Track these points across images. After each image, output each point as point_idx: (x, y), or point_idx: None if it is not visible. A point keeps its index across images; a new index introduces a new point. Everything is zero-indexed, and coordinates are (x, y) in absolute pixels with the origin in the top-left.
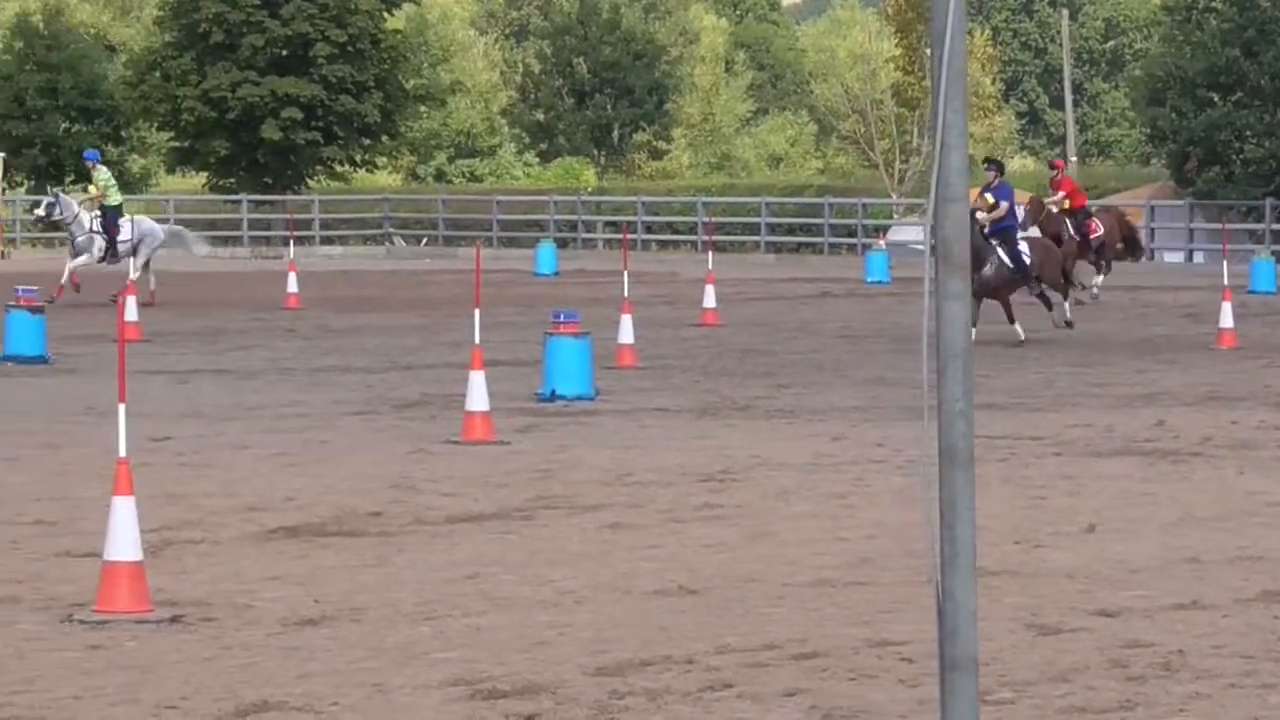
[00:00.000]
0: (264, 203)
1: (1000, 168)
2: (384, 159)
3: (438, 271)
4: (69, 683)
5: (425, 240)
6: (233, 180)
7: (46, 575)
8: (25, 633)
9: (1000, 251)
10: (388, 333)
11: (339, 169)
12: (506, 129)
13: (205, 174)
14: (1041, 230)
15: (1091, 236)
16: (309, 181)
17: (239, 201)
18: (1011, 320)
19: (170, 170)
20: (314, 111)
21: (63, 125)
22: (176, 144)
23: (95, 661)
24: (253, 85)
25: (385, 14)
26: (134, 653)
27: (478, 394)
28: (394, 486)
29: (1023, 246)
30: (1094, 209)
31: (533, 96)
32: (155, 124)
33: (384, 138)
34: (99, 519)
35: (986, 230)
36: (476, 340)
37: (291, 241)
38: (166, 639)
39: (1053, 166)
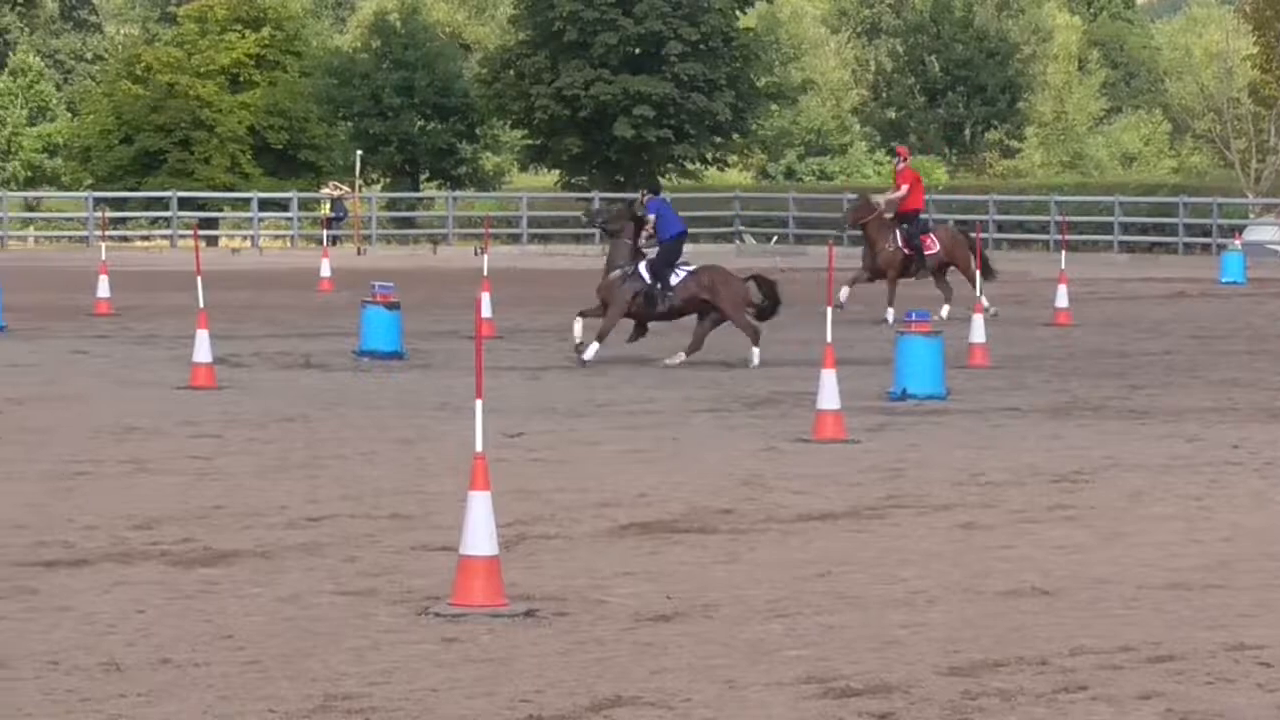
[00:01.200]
0: (616, 200)
1: None
2: (735, 156)
3: (788, 269)
4: (426, 675)
5: (775, 238)
6: (585, 178)
7: (403, 569)
8: (382, 625)
9: None
10: (739, 330)
11: (690, 166)
12: (857, 127)
13: (558, 171)
14: (865, 234)
15: (927, 253)
16: (660, 179)
17: (591, 199)
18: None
19: (523, 168)
20: (666, 109)
21: (418, 123)
22: (529, 142)
23: (451, 654)
24: (605, 83)
25: (737, 12)
26: (489, 646)
27: (829, 392)
28: (745, 484)
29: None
30: (931, 224)
31: (884, 94)
32: (509, 122)
33: (735, 135)
34: (454, 513)
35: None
36: (828, 338)
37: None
38: (521, 633)
39: (895, 153)
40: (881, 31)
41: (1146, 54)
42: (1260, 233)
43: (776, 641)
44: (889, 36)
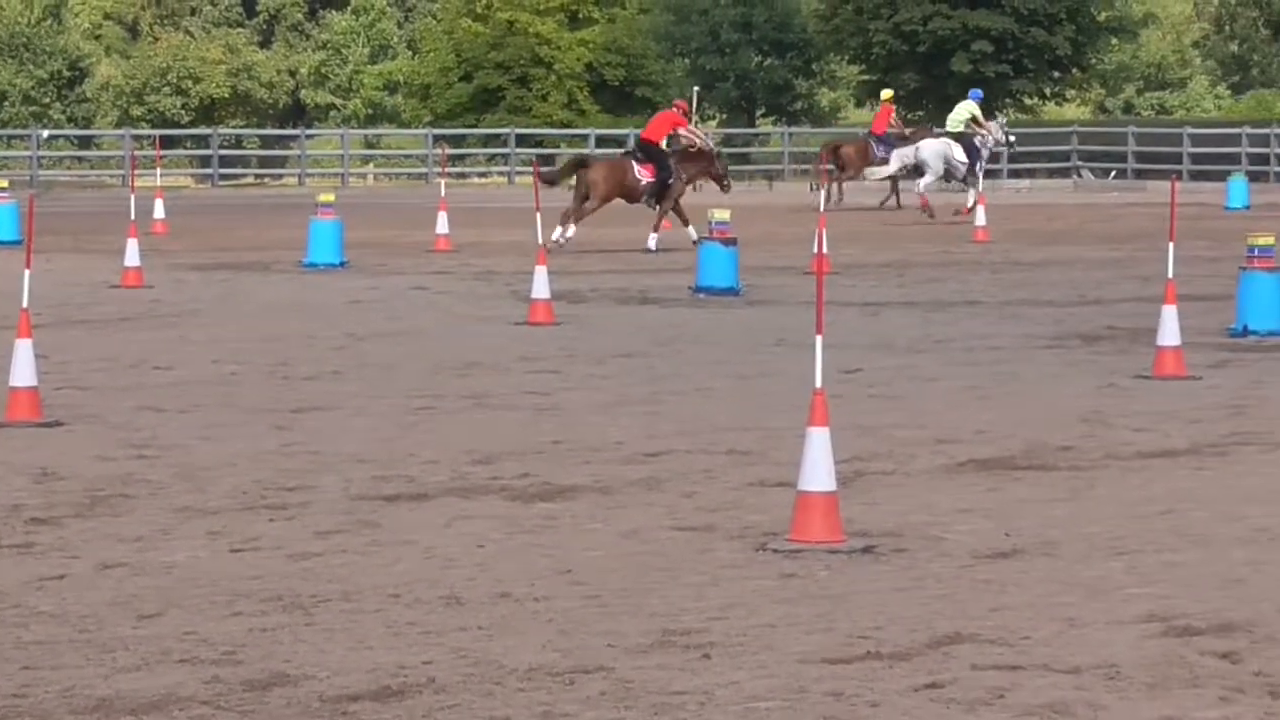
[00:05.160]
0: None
1: None
2: (1073, 91)
3: (1127, 205)
4: (764, 611)
5: (1114, 173)
6: (921, 113)
7: (741, 504)
8: (721, 560)
9: None
10: (1077, 266)
11: (1028, 102)
12: (1199, 61)
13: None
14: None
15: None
16: (999, 114)
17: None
18: None
19: (859, 104)
20: (1004, 44)
21: (755, 59)
22: (867, 77)
23: (789, 590)
24: (944, 18)
25: None
26: (827, 582)
27: (1170, 328)
28: (1085, 421)
29: None
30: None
31: (1227, 28)
32: (846, 57)
33: (1074, 70)
34: (792, 449)
35: None
36: (1169, 274)
37: (980, 174)
38: (859, 569)
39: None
40: None
41: None
42: None
43: (1117, 580)
44: None
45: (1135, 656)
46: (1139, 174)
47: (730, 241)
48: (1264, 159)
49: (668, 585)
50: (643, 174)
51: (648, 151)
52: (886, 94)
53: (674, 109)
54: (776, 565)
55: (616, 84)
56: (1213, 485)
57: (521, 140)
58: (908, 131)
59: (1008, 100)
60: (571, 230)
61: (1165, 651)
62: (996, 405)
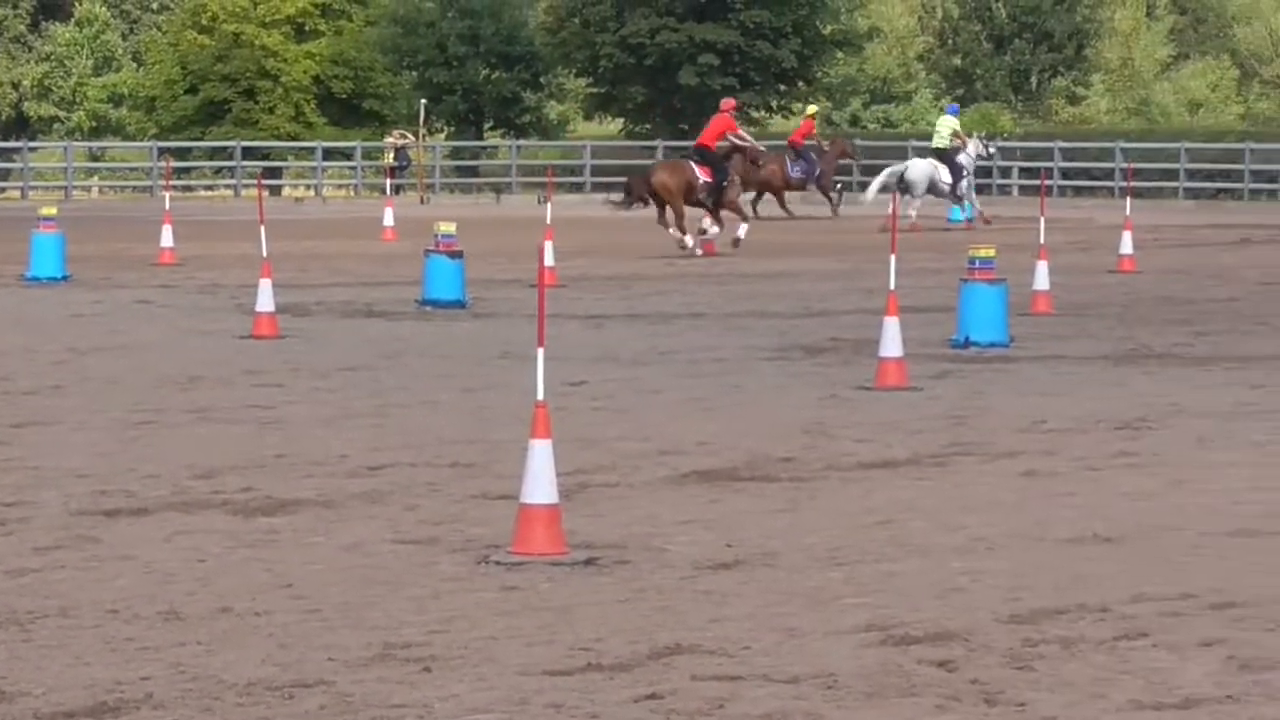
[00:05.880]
0: (680, 148)
1: None
2: (800, 105)
3: (852, 218)
4: (485, 624)
5: (840, 185)
6: (648, 126)
7: (463, 517)
8: (443, 573)
9: None
10: (803, 278)
11: (755, 115)
12: (923, 74)
13: (622, 120)
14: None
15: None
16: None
17: (655, 147)
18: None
19: (587, 117)
20: (731, 57)
21: (483, 71)
22: (594, 90)
23: (511, 603)
24: (671, 31)
25: None
26: (549, 594)
27: (891, 340)
28: (807, 432)
29: None
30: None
31: (950, 41)
32: (574, 70)
33: (800, 83)
34: (515, 462)
35: None
36: (892, 285)
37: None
38: (581, 581)
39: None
40: None
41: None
42: None
43: (837, 589)
44: None
45: (853, 666)
46: (863, 187)
47: (456, 254)
48: (987, 171)
49: (389, 598)
50: (701, 174)
51: (704, 156)
52: (811, 109)
53: (724, 112)
54: (498, 578)
55: (344, 96)
56: (932, 495)
57: (248, 153)
58: (825, 145)
59: (734, 113)
60: (689, 237)
61: (883, 661)
62: (720, 417)
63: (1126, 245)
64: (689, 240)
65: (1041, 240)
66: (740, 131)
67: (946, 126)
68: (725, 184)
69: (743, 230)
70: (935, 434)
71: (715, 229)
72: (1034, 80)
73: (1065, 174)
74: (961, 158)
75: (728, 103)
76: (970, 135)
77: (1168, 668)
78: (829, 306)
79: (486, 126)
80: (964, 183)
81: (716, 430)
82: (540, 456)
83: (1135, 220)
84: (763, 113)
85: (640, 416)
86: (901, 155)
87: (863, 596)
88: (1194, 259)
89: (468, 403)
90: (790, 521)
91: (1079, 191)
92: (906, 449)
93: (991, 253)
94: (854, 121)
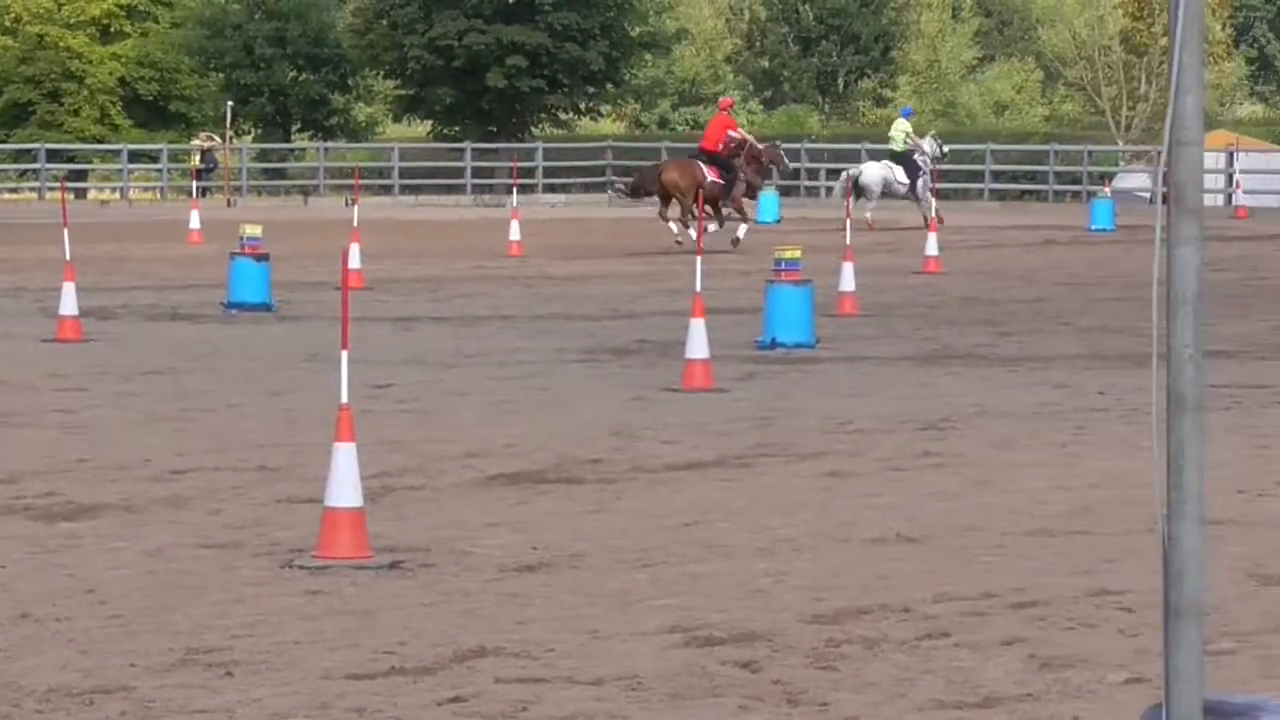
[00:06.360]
0: (488, 150)
1: None
2: (608, 106)
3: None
4: (290, 628)
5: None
6: (457, 128)
7: (268, 521)
8: (247, 578)
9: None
10: (610, 280)
11: (563, 117)
12: (731, 76)
13: (430, 122)
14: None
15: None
16: (533, 129)
17: (463, 150)
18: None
19: (396, 119)
20: (539, 59)
21: (290, 74)
22: (402, 92)
23: (315, 607)
24: (479, 33)
25: None
26: (354, 598)
27: (698, 341)
28: (614, 434)
29: None
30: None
31: (758, 43)
32: (382, 72)
33: (608, 85)
34: (321, 465)
35: None
36: (697, 287)
37: (515, 189)
38: (386, 585)
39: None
40: None
41: (1020, 2)
42: (1130, 180)
43: (642, 591)
44: None
45: (657, 667)
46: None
47: (263, 257)
48: (794, 173)
49: (192, 603)
50: (710, 174)
51: (711, 157)
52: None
53: (723, 111)
54: (302, 582)
55: (150, 98)
56: (738, 496)
57: (52, 155)
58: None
59: (543, 115)
60: (690, 230)
61: (687, 662)
62: (527, 419)
63: (932, 246)
64: (692, 231)
65: (848, 241)
66: (740, 131)
67: (900, 130)
68: (733, 183)
69: (742, 230)
70: (741, 435)
71: (714, 226)
72: (841, 82)
73: None
74: (918, 158)
75: (725, 101)
76: (925, 135)
77: (969, 667)
78: (636, 309)
79: (294, 128)
80: (920, 182)
81: (523, 432)
82: (344, 460)
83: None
84: (571, 114)
85: (447, 419)
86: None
87: (668, 598)
88: (999, 260)
89: (273, 406)
90: (597, 523)
91: (885, 192)
92: (713, 450)
93: (797, 254)
94: (663, 123)
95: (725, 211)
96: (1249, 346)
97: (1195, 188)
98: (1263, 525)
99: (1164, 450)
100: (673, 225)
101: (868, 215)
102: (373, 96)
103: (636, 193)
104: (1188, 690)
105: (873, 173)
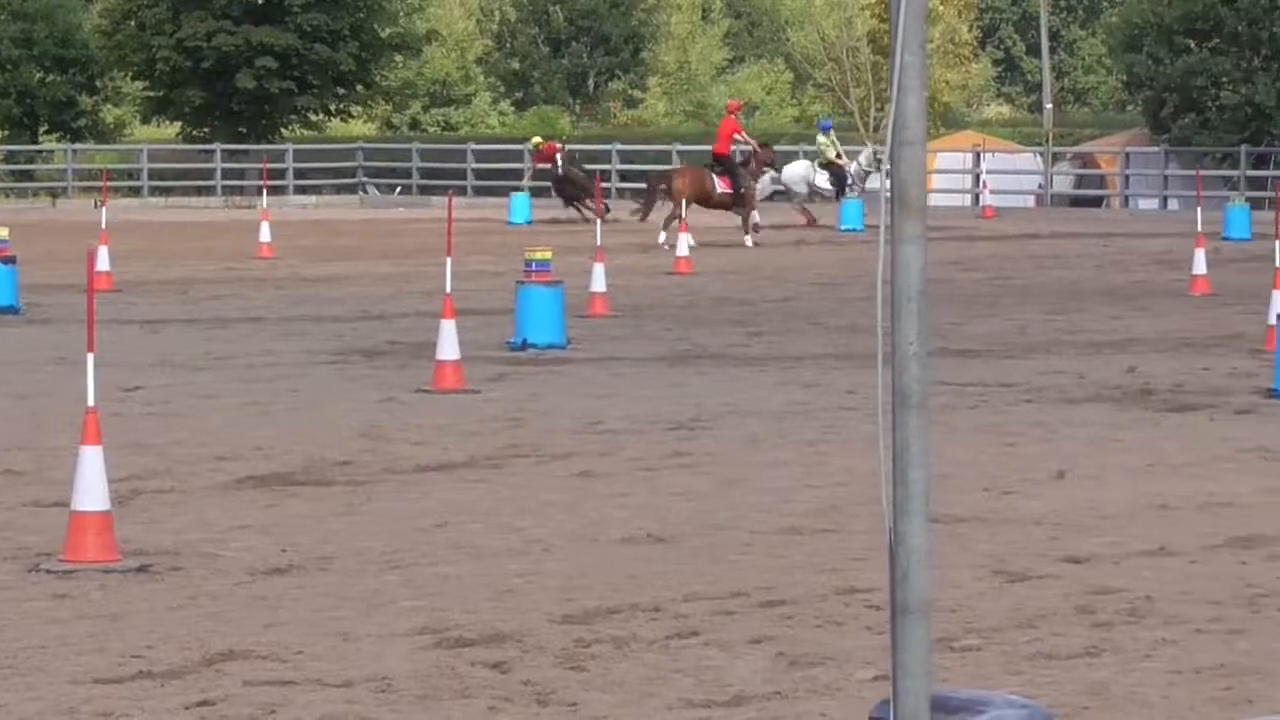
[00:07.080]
0: (238, 152)
1: None
2: (359, 108)
3: (411, 220)
4: (36, 632)
5: (399, 189)
6: (207, 130)
7: (14, 525)
8: None
9: None
10: (361, 282)
11: (313, 118)
12: (482, 78)
13: (179, 124)
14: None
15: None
16: (283, 131)
17: (213, 151)
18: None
19: (145, 120)
20: (289, 60)
21: (37, 75)
22: (151, 93)
23: (62, 611)
24: (228, 34)
25: None
26: (101, 602)
27: (449, 343)
28: (364, 435)
29: None
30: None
31: (509, 45)
32: (130, 73)
33: (359, 86)
34: (68, 468)
35: None
36: (448, 289)
37: (265, 191)
38: (134, 588)
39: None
40: None
41: (769, 3)
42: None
43: (392, 593)
44: None
45: (407, 668)
46: (424, 190)
47: (9, 260)
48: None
49: None
50: (720, 184)
51: (722, 164)
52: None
53: (730, 114)
54: (49, 586)
55: None
56: (488, 497)
57: None
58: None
59: (293, 116)
60: (669, 235)
61: (437, 663)
62: (276, 421)
63: (683, 247)
64: (674, 241)
65: (599, 242)
66: (745, 136)
67: (824, 143)
68: (744, 190)
69: (756, 215)
70: (492, 436)
71: (750, 240)
72: (592, 83)
73: (624, 176)
74: (852, 166)
75: (733, 105)
76: (865, 144)
77: (718, 665)
78: (387, 310)
79: (41, 130)
80: (850, 189)
81: (273, 435)
82: (91, 463)
83: (691, 221)
84: (322, 116)
85: (196, 421)
86: (461, 158)
87: (418, 599)
88: (750, 260)
89: (20, 409)
90: (347, 525)
91: (637, 194)
92: (464, 451)
93: (548, 255)
94: (414, 125)
95: (753, 221)
96: (995, 345)
97: (918, 186)
98: (1008, 522)
99: (889, 448)
100: (663, 235)
101: (794, 212)
102: (121, 98)
103: (649, 205)
104: (915, 686)
105: (793, 171)
